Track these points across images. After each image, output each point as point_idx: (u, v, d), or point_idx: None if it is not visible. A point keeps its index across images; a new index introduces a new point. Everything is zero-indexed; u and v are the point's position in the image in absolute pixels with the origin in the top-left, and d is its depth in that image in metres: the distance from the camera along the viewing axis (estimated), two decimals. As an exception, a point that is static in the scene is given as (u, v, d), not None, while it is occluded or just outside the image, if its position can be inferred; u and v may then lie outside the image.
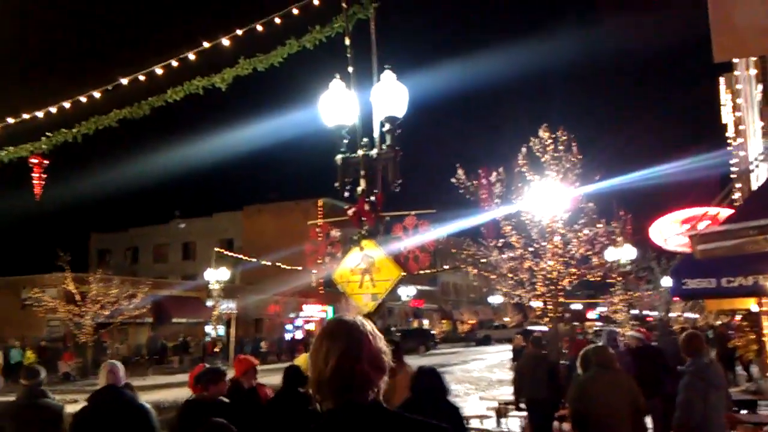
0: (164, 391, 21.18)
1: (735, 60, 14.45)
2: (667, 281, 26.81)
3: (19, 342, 30.99)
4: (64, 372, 30.00)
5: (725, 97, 20.23)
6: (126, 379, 5.62)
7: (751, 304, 15.68)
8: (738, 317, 23.33)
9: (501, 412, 12.90)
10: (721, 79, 20.01)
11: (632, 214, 20.29)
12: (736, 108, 18.53)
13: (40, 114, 9.22)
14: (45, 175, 10.29)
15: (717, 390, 5.96)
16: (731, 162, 19.70)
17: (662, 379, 10.71)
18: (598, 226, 16.06)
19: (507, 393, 14.73)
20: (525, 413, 10.92)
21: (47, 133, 9.57)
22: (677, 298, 29.02)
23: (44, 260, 34.34)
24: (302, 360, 8.33)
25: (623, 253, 20.41)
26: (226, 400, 6.00)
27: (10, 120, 9.45)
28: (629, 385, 6.70)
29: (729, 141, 20.46)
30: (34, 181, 10.26)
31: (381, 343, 2.20)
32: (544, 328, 26.31)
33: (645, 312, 39.32)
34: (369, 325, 2.23)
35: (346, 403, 2.08)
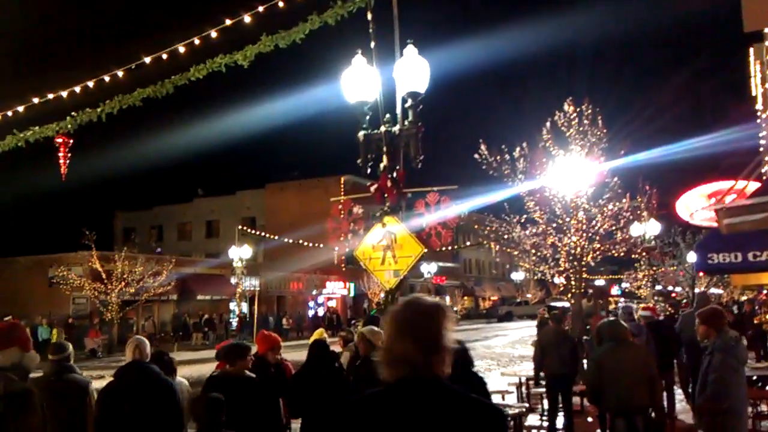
0: (188, 367, 21.48)
1: (766, 30, 14.11)
2: (692, 256, 26.55)
3: (46, 319, 31.59)
4: (91, 348, 30.52)
5: (755, 68, 19.79)
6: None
7: (778, 279, 15.50)
8: (764, 292, 23.08)
9: (522, 388, 12.92)
10: (751, 50, 19.55)
11: (658, 189, 20.01)
12: (765, 79, 18.13)
13: (64, 94, 9.29)
14: (70, 155, 10.40)
15: (743, 365, 6.00)
16: (760, 134, 19.32)
17: (674, 352, 10.96)
18: (623, 201, 15.88)
19: (529, 369, 14.73)
20: (543, 389, 10.99)
21: (72, 113, 9.63)
22: (702, 273, 28.81)
23: (70, 239, 34.88)
24: (317, 335, 8.44)
25: (648, 228, 20.20)
26: (251, 374, 6.04)
27: (36, 100, 9.53)
28: (643, 356, 6.90)
29: (758, 113, 20.04)
30: (60, 161, 10.37)
31: (449, 323, 2.30)
32: (566, 305, 26.25)
33: (669, 287, 39.05)
34: (440, 306, 2.33)
35: (411, 377, 2.20)
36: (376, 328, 7.12)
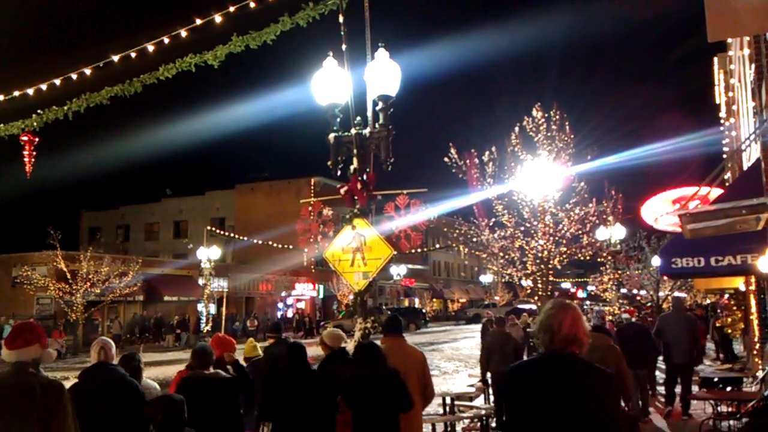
0: (155, 369, 21.27)
1: (729, 40, 14.43)
2: (656, 260, 27.01)
3: (13, 320, 31.03)
4: (54, 349, 29.92)
5: (719, 77, 20.23)
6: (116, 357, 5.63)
7: (739, 283, 15.86)
8: (726, 296, 23.54)
9: (490, 389, 13.04)
10: (715, 59, 19.98)
11: (623, 194, 20.31)
12: (729, 88, 18.53)
13: (30, 91, 9.14)
14: (36, 153, 10.24)
15: None
16: (723, 142, 19.73)
17: (648, 352, 11.69)
18: (590, 205, 16.09)
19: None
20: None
21: (38, 111, 9.50)
22: (666, 277, 29.28)
23: (35, 238, 34.28)
24: (249, 346, 8.44)
25: (614, 233, 20.50)
26: (227, 375, 6.12)
27: (1, 97, 9.37)
28: (611, 355, 7.30)
29: (722, 121, 20.48)
30: (25, 159, 10.21)
31: (584, 318, 3.56)
32: (533, 307, 26.45)
33: (634, 291, 39.63)
34: (577, 307, 3.58)
35: (558, 352, 3.40)
36: (338, 332, 7.29)
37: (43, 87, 9.05)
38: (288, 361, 6.21)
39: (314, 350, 7.88)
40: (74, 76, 8.84)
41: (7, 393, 4.00)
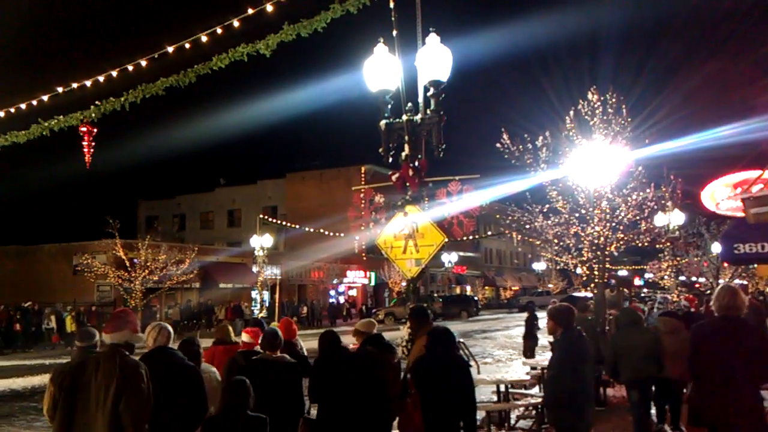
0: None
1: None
2: (716, 247, 26.23)
3: (71, 307, 32.07)
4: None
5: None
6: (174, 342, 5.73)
7: (806, 270, 15.28)
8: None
9: (543, 378, 12.90)
10: (779, 38, 19.23)
11: (682, 178, 19.73)
12: (793, 67, 17.81)
13: (88, 83, 9.36)
14: (94, 144, 10.49)
15: (584, 363, 6.06)
16: (787, 124, 18.99)
17: None
18: (647, 190, 15.66)
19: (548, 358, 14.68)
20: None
21: (96, 102, 9.72)
22: (727, 264, 28.47)
23: (94, 227, 35.22)
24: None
25: (672, 219, 19.97)
26: (291, 359, 6.24)
27: (60, 89, 9.61)
28: (652, 337, 8.45)
29: (786, 102, 19.70)
30: (84, 150, 10.47)
31: (741, 293, 5.32)
32: (588, 295, 26.05)
33: (693, 278, 38.69)
34: (735, 286, 5.44)
35: (728, 316, 5.26)
36: (369, 319, 7.44)
37: (101, 79, 9.25)
38: (320, 347, 6.32)
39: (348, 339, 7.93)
40: (130, 68, 9.01)
41: (97, 367, 4.64)
